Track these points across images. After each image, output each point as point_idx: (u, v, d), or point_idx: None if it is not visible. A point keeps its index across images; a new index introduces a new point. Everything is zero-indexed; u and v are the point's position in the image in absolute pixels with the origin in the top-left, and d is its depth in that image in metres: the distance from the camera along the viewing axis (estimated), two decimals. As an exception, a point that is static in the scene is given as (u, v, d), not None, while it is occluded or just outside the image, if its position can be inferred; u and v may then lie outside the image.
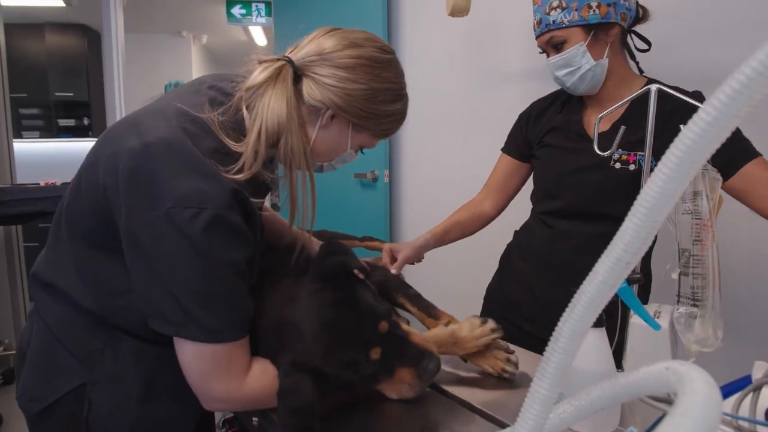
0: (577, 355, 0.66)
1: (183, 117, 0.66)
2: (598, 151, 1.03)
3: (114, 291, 0.68)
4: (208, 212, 0.60)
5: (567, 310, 0.37)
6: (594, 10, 1.01)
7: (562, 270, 1.14)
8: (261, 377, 0.68)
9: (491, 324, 0.83)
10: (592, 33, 1.03)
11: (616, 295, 0.70)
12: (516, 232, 1.31)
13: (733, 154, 0.99)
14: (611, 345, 0.70)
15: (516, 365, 0.83)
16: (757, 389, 0.55)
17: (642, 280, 0.82)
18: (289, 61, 0.72)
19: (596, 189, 1.08)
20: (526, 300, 1.20)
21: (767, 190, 0.96)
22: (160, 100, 0.73)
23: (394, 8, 2.23)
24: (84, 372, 0.70)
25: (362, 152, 0.84)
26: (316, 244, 0.85)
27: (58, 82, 4.47)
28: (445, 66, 2.05)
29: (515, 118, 1.31)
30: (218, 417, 0.98)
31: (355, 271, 0.75)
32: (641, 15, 1.10)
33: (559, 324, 0.37)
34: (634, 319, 0.78)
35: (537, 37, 1.11)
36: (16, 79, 3.17)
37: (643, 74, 1.16)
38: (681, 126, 0.31)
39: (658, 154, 1.04)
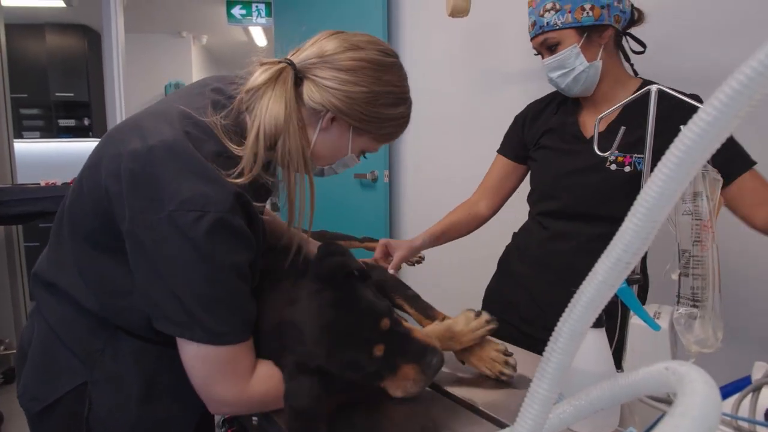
0: (577, 356, 0.66)
1: (186, 120, 0.66)
2: (598, 152, 1.03)
3: (115, 291, 0.68)
4: (211, 215, 0.60)
5: (567, 310, 0.37)
6: (587, 12, 1.02)
7: (559, 271, 1.14)
8: (266, 379, 0.68)
9: (486, 316, 0.84)
10: (585, 35, 1.04)
11: (615, 296, 0.70)
12: (514, 234, 1.31)
13: (729, 163, 0.99)
14: (611, 345, 0.70)
15: (514, 367, 0.83)
16: (757, 390, 0.55)
17: (642, 281, 0.82)
18: (290, 64, 0.72)
19: (592, 190, 1.09)
20: (524, 301, 1.20)
21: (755, 200, 0.98)
22: (162, 102, 0.73)
23: (394, 9, 2.24)
24: (85, 371, 0.70)
25: (365, 156, 0.83)
26: (314, 245, 0.85)
27: (59, 83, 4.47)
28: (445, 66, 2.05)
29: (514, 118, 1.31)
30: (218, 417, 0.98)
31: (355, 272, 0.75)
32: (636, 17, 1.10)
33: (559, 324, 0.37)
34: (634, 320, 0.78)
35: (532, 39, 1.12)
36: (16, 80, 3.18)
37: (638, 76, 1.16)
38: (681, 126, 0.31)
39: (656, 154, 1.04)
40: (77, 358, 0.70)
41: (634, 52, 1.14)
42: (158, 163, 0.61)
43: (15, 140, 2.83)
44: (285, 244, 0.79)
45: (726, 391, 0.59)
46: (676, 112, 0.98)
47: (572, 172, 1.12)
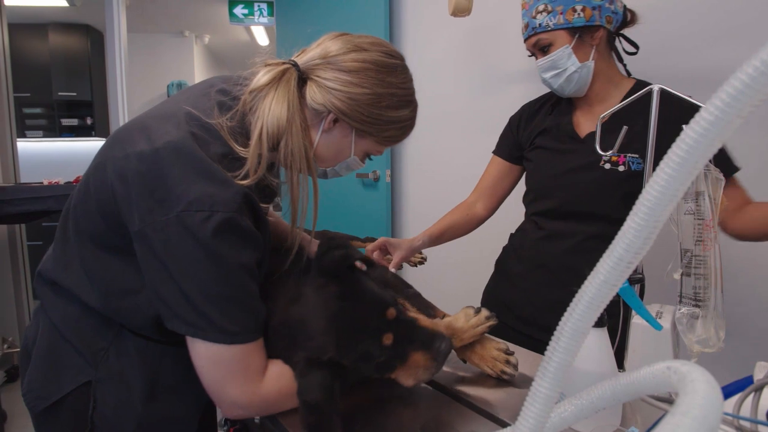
0: (579, 356, 0.66)
1: (192, 122, 0.66)
2: (600, 151, 1.03)
3: (121, 291, 0.68)
4: (219, 215, 0.60)
5: (568, 309, 0.37)
6: (579, 14, 1.03)
7: (555, 271, 1.15)
8: (278, 378, 0.68)
9: (485, 312, 0.84)
10: (577, 36, 1.05)
11: (617, 295, 0.70)
12: (511, 235, 1.32)
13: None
14: (613, 345, 0.70)
15: (515, 366, 0.83)
16: (759, 389, 0.55)
17: (644, 280, 0.82)
18: (294, 65, 0.72)
19: (587, 189, 1.10)
20: (521, 302, 1.21)
21: (730, 207, 1.00)
22: (168, 103, 0.73)
23: (396, 8, 2.23)
24: (89, 370, 0.70)
25: (370, 158, 0.83)
26: (316, 245, 0.85)
27: (62, 82, 4.48)
28: (447, 66, 2.05)
29: (517, 118, 1.31)
30: (220, 415, 0.98)
31: (357, 263, 0.75)
32: (629, 19, 1.11)
33: (561, 323, 0.38)
34: (636, 320, 0.78)
35: (525, 41, 1.13)
36: (19, 79, 3.19)
37: (631, 76, 1.17)
38: (683, 126, 0.31)
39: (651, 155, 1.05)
40: (82, 357, 0.70)
41: (627, 53, 1.15)
42: (166, 164, 0.61)
43: (18, 139, 2.84)
44: (288, 246, 0.79)
45: (728, 391, 0.59)
46: (673, 112, 0.99)
47: (567, 171, 1.13)
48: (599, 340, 0.67)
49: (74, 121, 4.59)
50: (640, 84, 1.12)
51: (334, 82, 0.70)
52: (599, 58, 1.08)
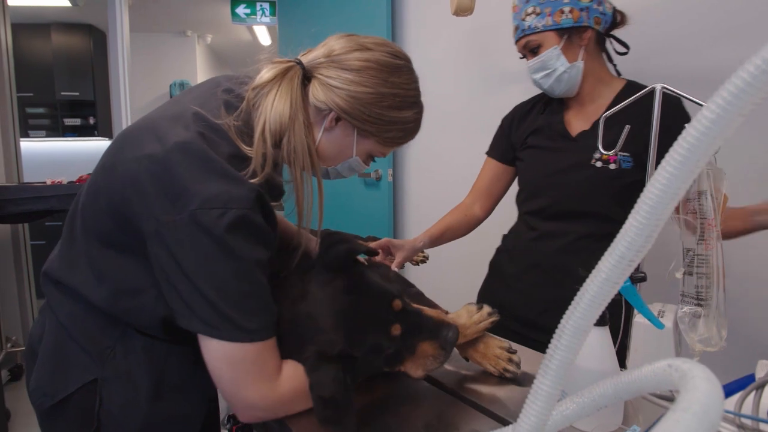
0: (581, 354, 0.66)
1: (200, 122, 0.67)
2: (602, 150, 1.03)
3: (128, 290, 0.69)
4: (233, 212, 0.60)
5: (570, 307, 0.38)
6: (567, 15, 1.05)
7: (548, 271, 1.16)
8: (293, 377, 0.67)
9: (487, 309, 0.85)
10: (566, 37, 1.07)
11: (619, 294, 0.70)
12: (504, 236, 1.33)
13: None
14: (615, 344, 0.70)
15: (518, 365, 0.83)
16: (760, 387, 0.55)
17: (646, 279, 0.82)
18: (299, 63, 0.72)
19: (579, 188, 1.11)
20: (516, 302, 1.21)
21: None
22: (175, 103, 0.73)
23: (398, 7, 2.24)
24: (96, 368, 0.70)
25: (374, 160, 0.83)
26: (314, 241, 0.86)
27: (64, 82, 4.49)
28: (449, 65, 2.05)
29: (519, 117, 1.31)
30: (223, 413, 0.98)
31: (361, 258, 0.75)
32: (619, 20, 1.13)
33: (562, 321, 0.38)
34: (638, 318, 0.78)
35: (516, 43, 1.15)
36: (22, 79, 3.20)
37: (621, 76, 1.19)
38: (685, 125, 0.31)
39: (637, 156, 1.05)
40: (88, 355, 0.71)
41: (618, 53, 1.17)
42: (178, 164, 0.61)
43: (21, 139, 2.85)
44: (295, 245, 0.79)
45: (730, 389, 0.59)
46: (661, 111, 1.00)
47: (559, 169, 1.14)
48: (601, 339, 0.67)
49: (77, 121, 4.60)
50: (631, 84, 1.13)
51: (336, 80, 0.70)
52: (589, 59, 1.10)
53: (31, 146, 4.56)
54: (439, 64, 2.07)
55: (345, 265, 0.72)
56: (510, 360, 0.83)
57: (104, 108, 4.53)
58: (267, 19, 3.86)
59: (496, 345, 0.85)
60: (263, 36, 4.81)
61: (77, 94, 4.54)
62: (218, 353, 0.63)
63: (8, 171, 2.69)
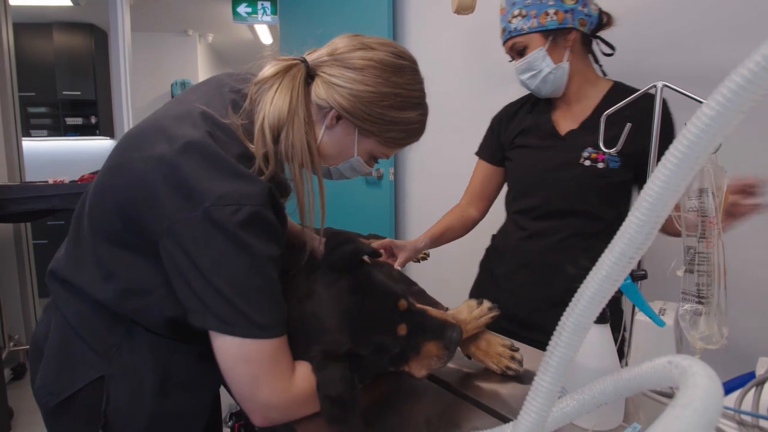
0: (582, 352, 0.66)
1: (208, 122, 0.67)
2: (604, 148, 1.03)
3: (137, 290, 0.69)
4: (247, 209, 0.61)
5: (570, 304, 0.38)
6: (551, 17, 1.07)
7: (538, 269, 1.17)
8: (307, 377, 0.67)
9: (488, 304, 0.85)
10: (551, 38, 1.09)
11: (619, 291, 0.70)
12: (493, 236, 1.35)
13: None
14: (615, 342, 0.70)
15: (520, 362, 0.83)
16: (760, 384, 0.55)
17: (647, 277, 0.82)
18: (303, 61, 0.72)
19: (567, 186, 1.12)
20: (506, 301, 1.21)
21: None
22: (180, 102, 0.73)
23: (399, 6, 2.23)
24: (102, 365, 0.70)
25: (376, 161, 0.83)
26: (317, 240, 0.86)
27: (66, 81, 4.50)
28: (451, 64, 2.05)
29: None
30: (225, 411, 0.98)
31: (366, 258, 0.75)
32: (605, 21, 1.14)
33: (563, 318, 0.38)
34: (639, 316, 0.78)
35: (503, 44, 1.17)
36: (24, 78, 3.20)
37: (607, 77, 1.20)
38: (686, 123, 0.31)
39: (624, 156, 1.06)
40: (95, 353, 0.71)
41: (605, 54, 1.18)
42: (189, 163, 0.61)
43: (23, 138, 2.86)
44: (300, 244, 0.79)
45: (731, 386, 0.59)
46: (642, 110, 1.03)
47: (548, 168, 1.15)
48: (602, 337, 0.67)
49: (79, 120, 4.61)
50: (618, 85, 1.15)
51: (338, 78, 0.71)
52: (574, 59, 1.12)
53: (33, 146, 4.57)
54: (441, 64, 2.06)
55: (350, 265, 0.72)
56: (512, 358, 0.83)
57: (106, 107, 4.54)
58: (268, 18, 3.86)
59: (499, 343, 0.85)
60: (264, 35, 4.81)
61: (79, 93, 4.55)
62: (233, 350, 0.63)
63: (10, 170, 2.70)
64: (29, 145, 4.33)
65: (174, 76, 4.90)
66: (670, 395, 0.71)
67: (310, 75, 0.73)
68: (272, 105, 0.69)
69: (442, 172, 2.14)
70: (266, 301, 0.64)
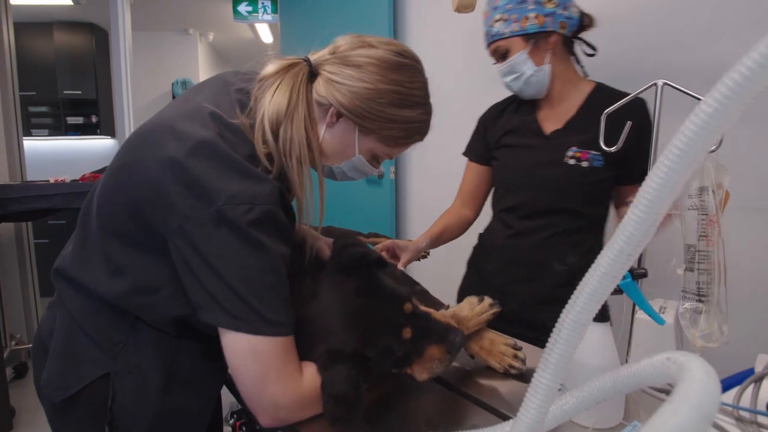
0: (583, 351, 0.66)
1: (218, 121, 0.67)
2: (604, 147, 1.04)
3: (144, 287, 0.69)
4: (259, 208, 0.61)
5: (569, 301, 0.38)
6: (532, 21, 1.09)
7: (525, 267, 1.19)
8: (314, 377, 0.67)
9: (488, 300, 0.86)
10: (532, 41, 1.11)
11: (619, 289, 0.70)
12: (480, 234, 1.36)
13: (636, 169, 1.10)
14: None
15: (523, 361, 0.84)
16: (759, 380, 0.55)
17: (647, 275, 0.82)
18: (306, 60, 0.73)
19: (552, 184, 1.15)
20: (493, 298, 1.22)
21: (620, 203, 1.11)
22: (186, 101, 0.73)
23: (400, 6, 2.23)
24: (108, 362, 0.70)
25: (377, 161, 0.82)
26: (323, 241, 0.86)
27: (67, 80, 4.50)
28: (451, 63, 2.04)
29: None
30: (226, 410, 0.99)
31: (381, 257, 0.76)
32: (587, 23, 1.16)
33: (562, 315, 0.38)
34: (639, 315, 0.78)
35: (486, 48, 1.20)
36: (25, 78, 3.20)
37: (588, 77, 1.23)
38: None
39: (607, 154, 1.09)
40: (100, 350, 0.71)
41: (587, 55, 1.21)
42: (200, 162, 0.62)
43: (24, 138, 2.86)
44: (299, 242, 0.79)
45: (730, 383, 0.59)
46: (628, 112, 1.05)
47: (533, 166, 1.18)
48: (603, 336, 0.67)
49: (79, 120, 4.61)
50: (600, 86, 1.17)
51: (338, 75, 0.71)
52: (556, 61, 1.14)
53: (34, 145, 4.58)
54: (441, 63, 2.06)
55: (357, 267, 0.73)
56: (515, 357, 0.84)
57: (107, 106, 4.54)
58: (269, 17, 3.85)
59: (502, 342, 0.86)
60: (265, 34, 4.81)
61: (80, 92, 4.55)
62: (243, 347, 0.63)
63: (11, 170, 2.70)
64: (30, 144, 4.33)
65: (175, 75, 4.90)
66: (669, 392, 0.71)
67: (314, 74, 0.74)
68: (272, 101, 0.69)
69: (443, 171, 2.14)
70: (278, 299, 0.64)
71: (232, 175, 0.62)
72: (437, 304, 0.92)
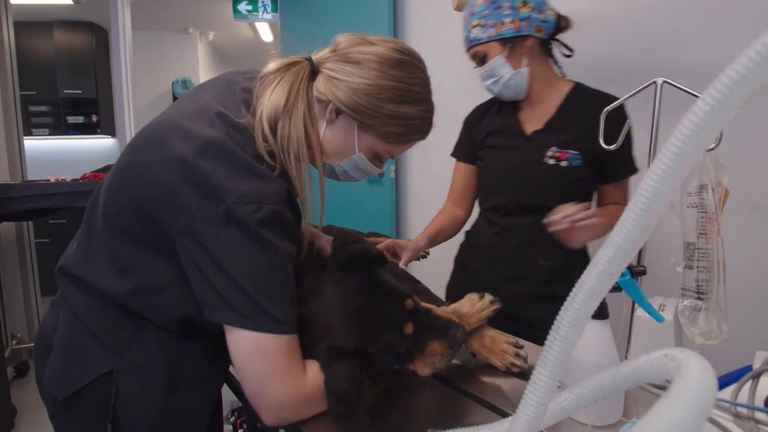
0: (582, 349, 0.66)
1: (224, 121, 0.68)
2: (604, 145, 1.04)
3: (150, 287, 0.69)
4: (267, 207, 0.62)
5: (568, 298, 0.38)
6: (507, 26, 1.12)
7: (511, 264, 1.22)
8: (317, 376, 0.67)
9: (489, 297, 0.87)
10: (509, 46, 1.14)
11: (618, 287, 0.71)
12: (466, 232, 1.38)
13: (615, 167, 1.13)
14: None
15: (525, 359, 0.84)
16: (756, 377, 0.56)
17: (646, 272, 0.82)
18: (308, 59, 0.73)
19: (533, 183, 1.17)
20: None
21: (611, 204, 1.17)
22: (192, 101, 0.73)
23: (400, 6, 2.23)
24: (112, 360, 0.70)
25: (380, 160, 0.82)
26: (324, 239, 0.86)
27: (67, 80, 4.50)
28: (451, 63, 2.04)
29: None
30: (226, 409, 0.99)
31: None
32: (563, 25, 1.18)
33: (561, 313, 0.38)
34: (639, 312, 0.79)
35: (466, 52, 1.23)
36: (25, 77, 3.21)
37: (566, 77, 1.25)
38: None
39: (586, 153, 1.10)
40: (104, 347, 0.71)
41: (565, 56, 1.23)
42: (209, 162, 0.62)
43: (24, 137, 2.86)
44: (302, 241, 0.79)
45: (728, 380, 0.59)
46: (597, 107, 1.08)
47: (515, 167, 1.20)
48: (602, 333, 0.67)
49: (80, 119, 4.61)
50: (579, 86, 1.20)
51: (338, 72, 0.71)
52: (534, 64, 1.16)
53: (35, 144, 4.58)
54: (441, 62, 2.06)
55: (358, 265, 0.73)
56: (517, 355, 0.84)
57: (107, 106, 4.54)
58: (269, 16, 3.85)
59: (503, 340, 0.86)
60: (265, 33, 4.81)
61: (80, 92, 4.55)
62: (249, 345, 0.63)
63: (12, 169, 2.70)
64: (31, 143, 4.34)
65: (175, 75, 4.90)
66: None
67: (315, 73, 0.74)
68: (270, 98, 0.70)
69: (443, 170, 2.13)
70: (285, 298, 0.65)
71: (240, 174, 0.63)
72: (438, 302, 0.92)
